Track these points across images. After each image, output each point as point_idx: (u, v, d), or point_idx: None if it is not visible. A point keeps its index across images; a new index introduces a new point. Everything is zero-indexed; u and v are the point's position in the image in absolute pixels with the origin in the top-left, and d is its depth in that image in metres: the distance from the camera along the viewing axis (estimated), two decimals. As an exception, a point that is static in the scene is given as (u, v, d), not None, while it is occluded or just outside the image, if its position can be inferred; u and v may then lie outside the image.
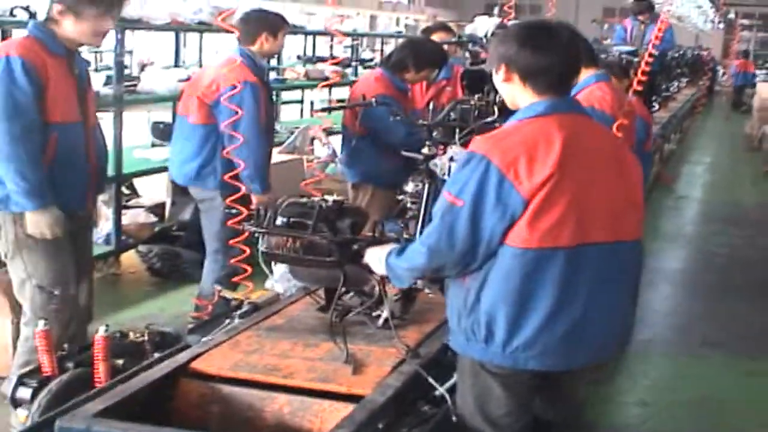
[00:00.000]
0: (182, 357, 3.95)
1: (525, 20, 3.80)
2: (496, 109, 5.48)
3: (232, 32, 6.21)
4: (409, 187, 5.13)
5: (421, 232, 4.56)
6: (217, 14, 9.39)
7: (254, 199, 5.99)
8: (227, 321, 4.49)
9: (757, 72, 36.41)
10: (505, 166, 3.28)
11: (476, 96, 5.52)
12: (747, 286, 8.92)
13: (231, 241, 5.61)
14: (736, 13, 32.76)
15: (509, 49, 3.51)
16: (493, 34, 11.89)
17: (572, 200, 3.31)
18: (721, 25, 33.40)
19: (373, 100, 5.70)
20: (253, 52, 6.20)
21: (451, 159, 5.02)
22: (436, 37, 7.62)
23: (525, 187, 3.26)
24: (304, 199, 4.13)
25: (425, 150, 4.99)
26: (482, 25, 14.04)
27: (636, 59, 10.57)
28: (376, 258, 3.79)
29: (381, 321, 4.23)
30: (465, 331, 3.48)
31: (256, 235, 4.06)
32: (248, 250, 6.02)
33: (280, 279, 4.91)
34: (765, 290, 8.84)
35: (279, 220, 3.98)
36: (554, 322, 3.36)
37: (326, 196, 4.11)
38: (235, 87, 5.91)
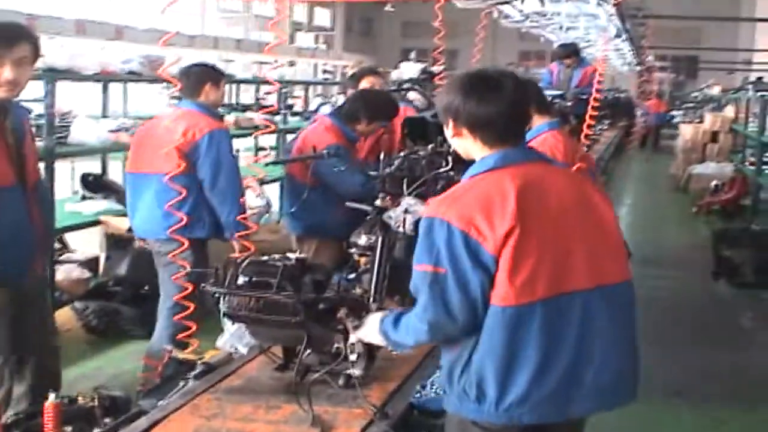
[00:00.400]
0: (140, 425, 3.78)
1: (467, 71, 3.62)
2: (449, 159, 5.43)
3: (174, 84, 6.11)
4: (362, 240, 5.01)
5: (375, 288, 4.46)
6: (149, 64, 9.30)
7: (236, 245, 6.12)
8: (181, 383, 4.33)
9: (674, 113, 37.11)
10: (465, 226, 3.25)
11: (429, 147, 5.46)
12: (693, 329, 8.95)
13: (176, 297, 5.48)
14: (654, 55, 33.18)
15: (454, 101, 3.46)
16: (418, 80, 11.94)
17: (541, 251, 3.27)
18: (638, 67, 33.79)
19: (325, 151, 5.60)
20: (203, 103, 6.21)
21: (406, 211, 4.93)
22: (365, 82, 7.50)
23: (489, 243, 3.23)
24: (265, 258, 4.00)
25: (378, 202, 4.87)
26: (407, 71, 14.04)
27: (567, 103, 10.63)
28: (371, 333, 3.74)
29: (345, 380, 4.10)
30: (457, 391, 3.41)
31: (216, 295, 3.92)
32: (192, 306, 5.90)
33: (231, 338, 4.77)
34: (710, 333, 8.88)
35: (241, 279, 3.85)
36: (544, 374, 3.30)
37: (288, 254, 3.99)
38: (212, 135, 6.01)
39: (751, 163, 16.62)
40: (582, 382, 3.37)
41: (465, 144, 3.52)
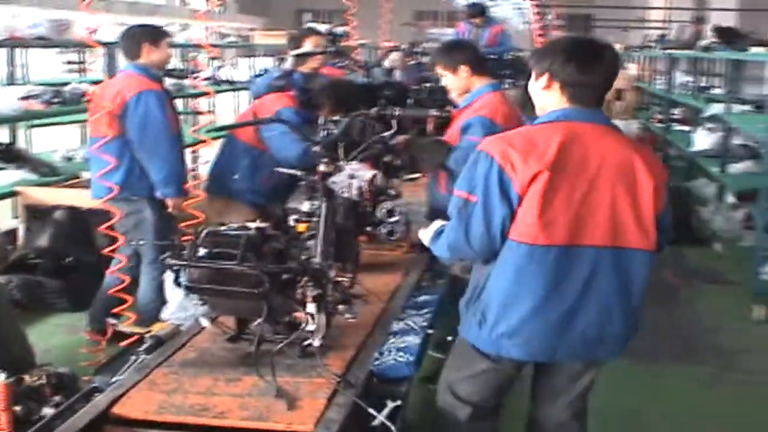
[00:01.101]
0: (101, 402, 3.68)
1: (574, 36, 4.08)
2: (393, 123, 5.39)
3: (95, 47, 6.09)
4: (304, 206, 4.94)
5: (323, 252, 4.40)
6: (57, 29, 9.07)
7: (169, 203, 6.25)
8: (133, 358, 4.23)
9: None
10: (502, 161, 3.61)
11: (373, 110, 5.41)
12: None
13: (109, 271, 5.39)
14: (556, 14, 33.41)
15: (555, 59, 3.78)
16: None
17: (568, 202, 3.60)
18: (535, 26, 33.99)
19: (268, 117, 5.51)
20: (144, 64, 6.26)
21: (351, 176, 4.88)
22: (309, 42, 7.35)
23: (518, 181, 3.59)
24: (224, 228, 3.91)
25: (322, 167, 4.80)
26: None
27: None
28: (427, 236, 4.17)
29: (302, 350, 4.04)
30: (468, 316, 3.90)
31: (175, 267, 3.82)
32: (127, 279, 5.79)
33: (177, 309, 4.68)
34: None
35: (201, 251, 3.76)
36: (539, 315, 3.69)
37: (247, 223, 3.91)
38: (139, 96, 6.07)
39: (659, 120, 16.84)
40: (573, 331, 3.73)
41: (550, 96, 3.83)
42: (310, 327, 3.91)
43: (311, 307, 3.88)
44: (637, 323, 3.93)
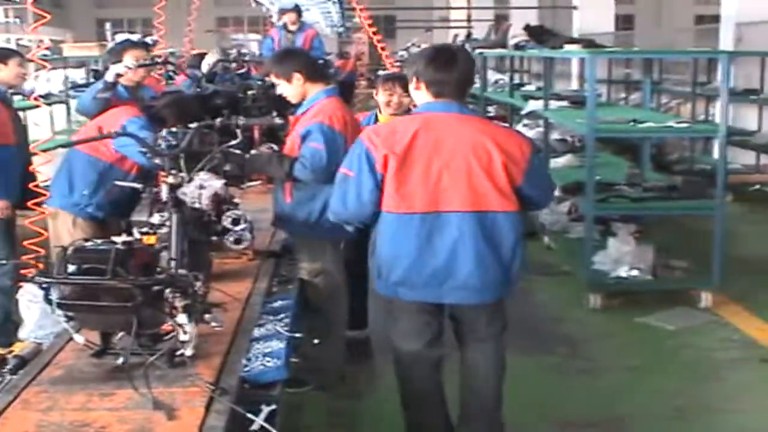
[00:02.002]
0: (-26, 426, 3.63)
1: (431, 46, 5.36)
2: (238, 133, 5.44)
3: None
4: (154, 218, 4.94)
5: (176, 261, 4.43)
6: None
7: None
8: (-2, 379, 4.18)
9: (380, 72, 37.73)
10: (369, 144, 4.67)
11: (218, 120, 5.45)
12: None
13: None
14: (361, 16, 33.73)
15: (419, 64, 4.82)
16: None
17: (424, 176, 4.61)
18: (341, 29, 34.33)
19: (113, 131, 5.45)
20: None
21: (201, 186, 4.90)
22: (129, 56, 7.29)
23: (379, 161, 4.62)
24: (90, 244, 3.90)
25: (170, 179, 4.81)
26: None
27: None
28: None
29: (170, 360, 4.05)
30: (372, 270, 5.01)
31: (44, 285, 3.79)
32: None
33: (35, 328, 4.63)
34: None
35: (70, 267, 3.74)
36: (418, 267, 4.70)
37: (114, 238, 3.90)
38: None
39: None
40: (454, 279, 4.72)
41: (420, 95, 4.83)
42: (183, 337, 3.93)
43: (182, 318, 3.90)
44: (517, 272, 4.91)
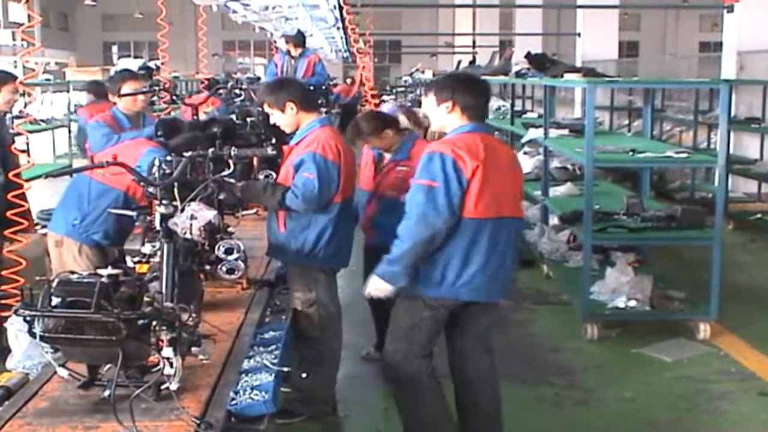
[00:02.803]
0: (-43, 459, 3.61)
1: (463, 73, 5.59)
2: (231, 163, 5.42)
3: None
4: (146, 248, 4.93)
5: (165, 292, 4.42)
6: None
7: None
8: (-17, 411, 4.15)
9: (385, 97, 37.81)
10: (455, 156, 5.04)
11: (210, 150, 5.44)
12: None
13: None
14: (365, 42, 33.74)
15: (456, 89, 5.27)
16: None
17: (493, 187, 5.12)
18: (346, 54, 34.33)
19: (105, 161, 5.42)
20: None
21: (192, 217, 4.87)
22: (127, 87, 7.31)
23: (467, 171, 5.03)
24: (75, 276, 3.88)
25: (162, 209, 4.79)
26: (127, 66, 13.76)
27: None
28: (377, 283, 5.28)
29: (156, 392, 4.02)
30: (418, 277, 5.21)
31: (28, 318, 3.76)
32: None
33: (23, 357, 4.61)
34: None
35: (54, 300, 3.72)
36: (484, 269, 5.22)
37: (99, 271, 3.88)
38: None
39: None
40: (498, 279, 5.36)
41: (453, 117, 5.27)
42: (168, 371, 3.90)
43: (167, 351, 3.88)
44: None
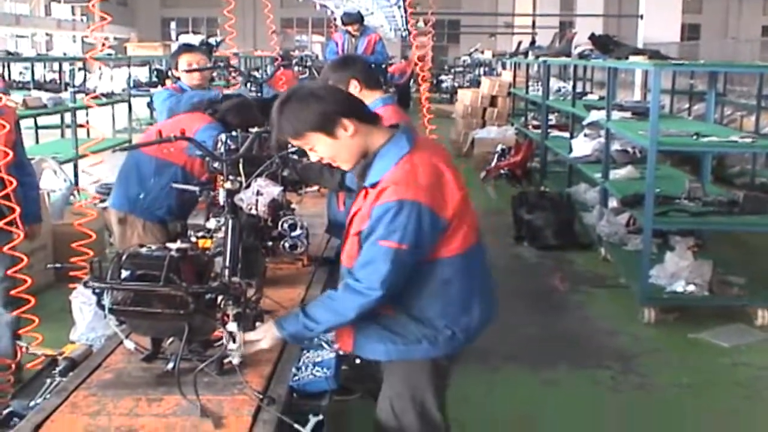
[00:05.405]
0: (24, 428, 3.63)
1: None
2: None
3: None
4: (210, 223, 4.96)
5: (230, 267, 4.45)
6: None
7: None
8: (48, 381, 4.21)
9: (443, 77, 37.86)
10: (432, 205, 3.76)
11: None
12: (513, 295, 9.14)
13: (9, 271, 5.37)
14: (425, 21, 33.74)
15: (346, 103, 3.96)
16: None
17: (466, 210, 3.94)
18: (405, 33, 34.34)
19: (172, 135, 5.45)
20: None
21: (258, 192, 4.91)
22: (182, 61, 7.33)
23: (448, 213, 3.82)
24: (145, 249, 3.92)
25: (228, 185, 4.82)
26: (192, 42, 13.82)
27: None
28: (268, 339, 4.03)
29: (219, 367, 4.05)
30: (426, 337, 3.97)
31: (97, 291, 3.80)
32: (29, 280, 5.72)
33: (86, 330, 4.67)
34: (527, 298, 9.22)
35: (123, 273, 3.76)
36: (487, 298, 4.13)
37: (168, 245, 3.91)
38: None
39: (534, 127, 17.07)
40: (494, 302, 4.21)
41: (365, 137, 3.93)
42: (232, 346, 3.94)
43: (232, 326, 3.91)
44: None
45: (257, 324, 4.16)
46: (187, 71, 7.23)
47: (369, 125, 3.93)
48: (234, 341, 3.94)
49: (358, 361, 4.88)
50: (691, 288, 8.48)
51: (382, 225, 3.74)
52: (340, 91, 4.13)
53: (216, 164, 5.03)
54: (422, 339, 3.97)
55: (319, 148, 3.91)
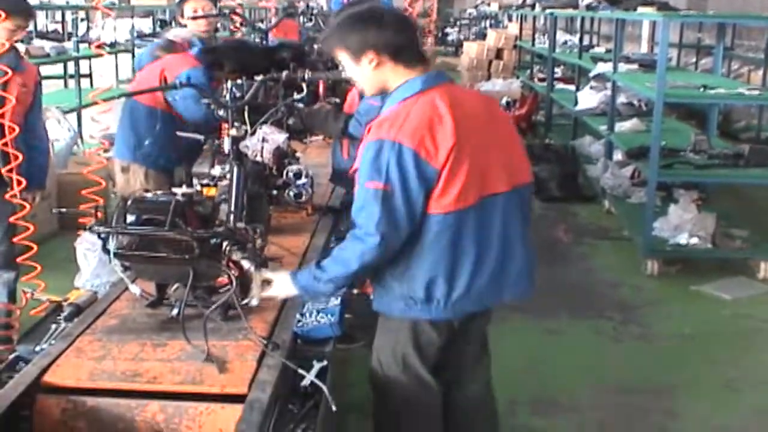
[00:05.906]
0: (31, 371, 3.66)
1: (363, 8, 3.91)
2: (303, 87, 5.41)
3: None
4: (215, 170, 4.96)
5: (235, 214, 4.45)
6: None
7: None
8: (54, 326, 4.24)
9: (448, 30, 37.68)
10: (416, 146, 3.57)
11: (284, 73, 5.42)
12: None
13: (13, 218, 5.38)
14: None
15: (369, 35, 3.77)
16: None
17: (471, 161, 3.65)
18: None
19: (178, 81, 5.42)
20: None
21: (263, 140, 4.91)
22: (188, 8, 7.26)
23: (436, 159, 3.59)
24: (150, 195, 3.93)
25: (233, 132, 4.82)
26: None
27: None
28: (283, 290, 3.96)
29: (224, 313, 4.07)
30: (402, 298, 3.83)
31: (103, 235, 3.81)
32: (32, 227, 5.71)
33: (91, 276, 4.70)
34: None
35: (129, 218, 3.77)
36: (480, 268, 3.79)
37: (174, 189, 3.92)
38: None
39: (540, 79, 17.02)
40: (508, 272, 3.90)
41: (385, 72, 3.80)
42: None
43: (246, 263, 3.92)
44: None
45: (263, 270, 4.16)
46: (193, 18, 7.18)
47: (402, 64, 3.78)
48: (250, 281, 3.95)
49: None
50: (694, 240, 8.50)
51: (365, 164, 3.65)
52: (397, 23, 3.81)
53: (221, 111, 5.02)
54: (400, 298, 3.84)
55: (344, 65, 3.89)
